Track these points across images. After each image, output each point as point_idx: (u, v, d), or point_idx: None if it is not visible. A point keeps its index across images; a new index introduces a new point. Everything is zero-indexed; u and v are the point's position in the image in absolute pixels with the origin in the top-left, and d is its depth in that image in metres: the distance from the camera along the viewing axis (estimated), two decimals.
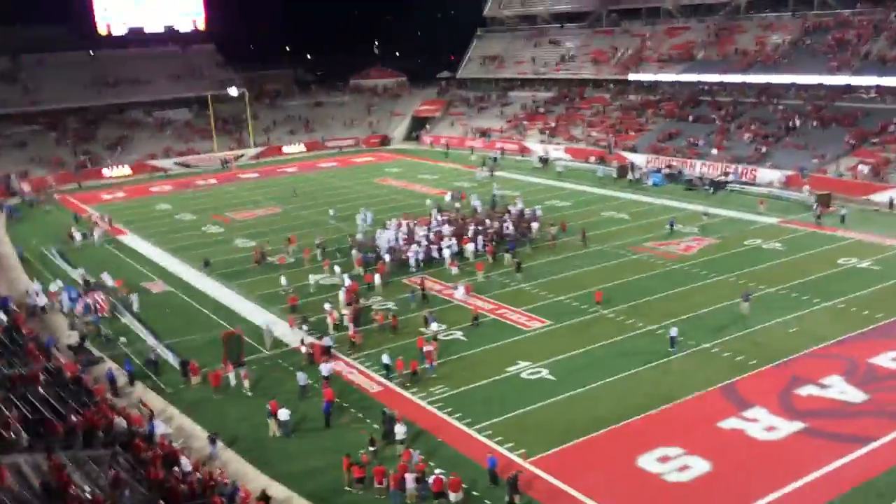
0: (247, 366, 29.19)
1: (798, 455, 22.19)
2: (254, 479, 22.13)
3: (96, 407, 24.79)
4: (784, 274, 37.58)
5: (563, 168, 67.93)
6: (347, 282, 37.15)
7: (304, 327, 32.23)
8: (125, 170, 76.97)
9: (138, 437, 23.03)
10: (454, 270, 39.32)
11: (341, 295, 35.68)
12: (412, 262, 40.73)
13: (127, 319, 35.25)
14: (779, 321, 31.84)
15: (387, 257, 41.04)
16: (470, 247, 41.99)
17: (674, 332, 29.94)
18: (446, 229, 44.53)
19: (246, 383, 28.03)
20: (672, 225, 46.34)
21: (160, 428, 24.05)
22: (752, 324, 31.52)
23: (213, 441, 23.93)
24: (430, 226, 45.72)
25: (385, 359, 28.65)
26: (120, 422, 23.61)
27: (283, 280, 38.56)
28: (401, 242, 42.91)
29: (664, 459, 22.15)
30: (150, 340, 32.40)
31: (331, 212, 53.61)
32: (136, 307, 36.20)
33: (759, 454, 22.40)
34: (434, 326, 31.83)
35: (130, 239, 50.90)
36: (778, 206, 51.31)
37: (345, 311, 33.68)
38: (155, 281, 41.28)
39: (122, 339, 32.87)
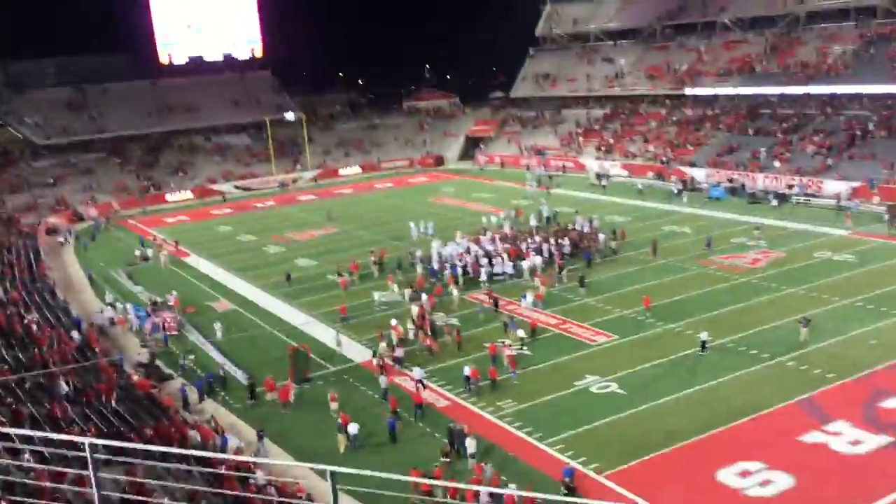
0: (329, 385, 29.24)
1: (886, 469, 21.32)
2: (325, 493, 22.04)
3: (169, 421, 25.13)
4: (858, 286, 36.42)
5: (606, 182, 67.61)
6: (424, 297, 36.90)
7: (384, 343, 32.12)
8: (187, 194, 78.74)
9: (211, 450, 23.23)
10: (536, 282, 38.94)
11: (414, 309, 35.38)
12: (483, 276, 40.55)
13: (194, 337, 35.80)
14: (855, 334, 30.81)
15: (458, 271, 41.04)
16: (538, 260, 41.75)
17: (703, 335, 30.15)
18: (501, 246, 44.30)
19: (334, 406, 27.09)
20: (709, 242, 44.59)
21: (232, 442, 24.22)
22: (827, 337, 30.49)
23: (260, 437, 24.20)
24: (481, 241, 45.43)
25: (466, 370, 28.30)
26: (193, 435, 23.84)
27: (375, 295, 38.73)
28: (460, 258, 42.76)
29: (745, 474, 21.47)
30: (218, 357, 32.84)
31: (412, 225, 53.05)
32: (220, 335, 35.69)
33: (844, 468, 21.61)
34: (520, 333, 31.98)
35: (194, 260, 51.80)
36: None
37: (410, 326, 33.62)
38: (219, 300, 41.92)
39: (191, 356, 33.38)
